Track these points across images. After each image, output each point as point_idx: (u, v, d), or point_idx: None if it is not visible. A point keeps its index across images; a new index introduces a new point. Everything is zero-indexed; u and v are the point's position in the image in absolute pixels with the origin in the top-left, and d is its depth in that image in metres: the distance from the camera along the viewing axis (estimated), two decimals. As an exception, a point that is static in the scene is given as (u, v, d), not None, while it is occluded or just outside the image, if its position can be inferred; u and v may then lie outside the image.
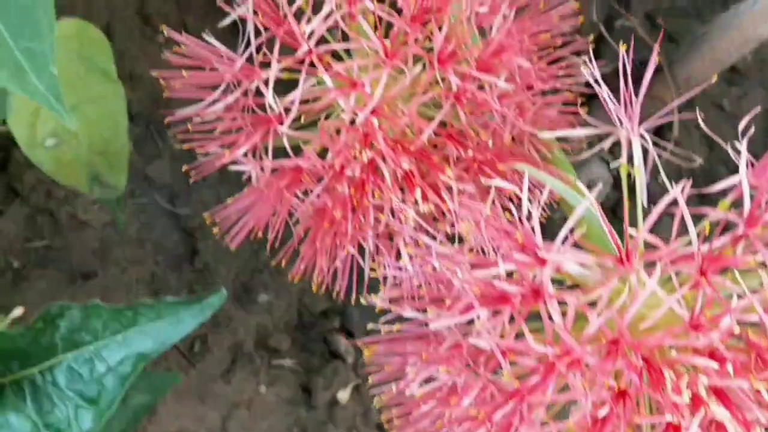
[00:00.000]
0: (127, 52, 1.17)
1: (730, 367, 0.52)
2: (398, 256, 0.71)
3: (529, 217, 0.58)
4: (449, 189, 0.68)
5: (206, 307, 0.67)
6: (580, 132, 0.66)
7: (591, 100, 0.74)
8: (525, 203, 0.59)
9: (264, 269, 1.14)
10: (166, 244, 1.15)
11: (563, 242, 0.56)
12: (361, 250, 0.74)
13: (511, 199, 0.67)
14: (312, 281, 0.75)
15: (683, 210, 0.56)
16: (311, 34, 0.67)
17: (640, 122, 0.64)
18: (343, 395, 1.10)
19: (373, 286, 0.74)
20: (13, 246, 1.12)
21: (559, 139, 0.76)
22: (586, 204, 0.57)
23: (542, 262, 0.56)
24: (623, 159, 0.65)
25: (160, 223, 1.15)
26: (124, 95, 0.85)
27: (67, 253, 1.13)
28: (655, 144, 0.66)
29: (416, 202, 0.67)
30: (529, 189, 0.61)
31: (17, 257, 1.12)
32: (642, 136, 0.64)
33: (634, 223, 0.59)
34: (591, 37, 0.78)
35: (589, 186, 0.61)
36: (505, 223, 0.59)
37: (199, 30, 1.16)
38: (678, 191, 0.56)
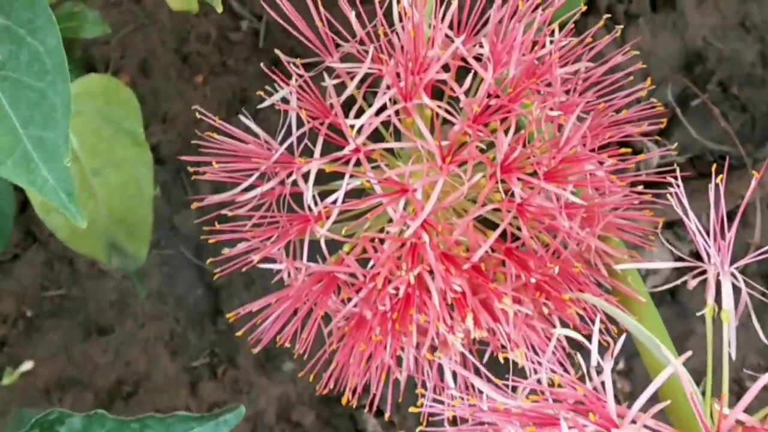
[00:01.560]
0: (163, 91, 1.11)
1: None
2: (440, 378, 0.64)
3: (600, 371, 0.50)
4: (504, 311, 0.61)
5: (221, 425, 0.59)
6: (662, 265, 0.58)
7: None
8: (595, 352, 0.52)
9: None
10: (188, 300, 1.08)
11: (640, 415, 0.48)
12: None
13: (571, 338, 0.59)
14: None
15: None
16: (360, 129, 0.59)
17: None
18: (369, 481, 1.03)
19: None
20: (27, 293, 1.06)
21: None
22: (673, 368, 0.49)
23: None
24: (710, 299, 0.57)
25: (184, 276, 1.08)
26: (151, 162, 0.78)
27: (84, 304, 1.06)
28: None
29: (467, 327, 0.59)
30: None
31: (31, 306, 1.06)
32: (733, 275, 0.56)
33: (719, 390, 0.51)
34: (664, 120, 0.70)
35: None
36: (568, 378, 0.51)
37: (241, 72, 1.09)
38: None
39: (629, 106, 0.66)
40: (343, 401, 0.67)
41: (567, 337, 0.60)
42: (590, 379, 0.51)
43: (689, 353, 0.49)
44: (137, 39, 1.13)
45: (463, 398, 0.54)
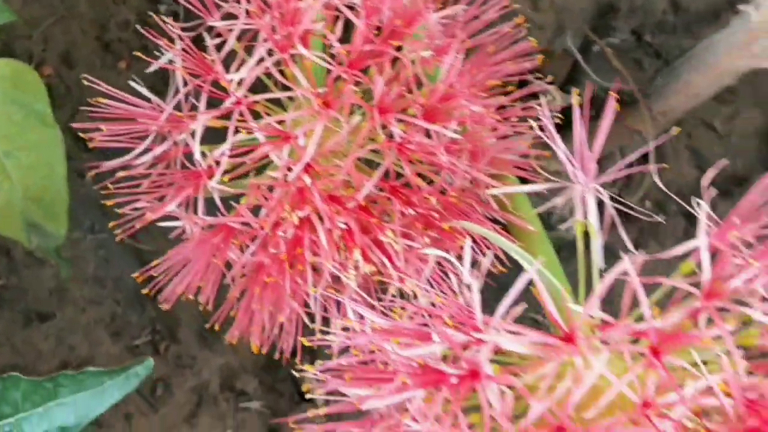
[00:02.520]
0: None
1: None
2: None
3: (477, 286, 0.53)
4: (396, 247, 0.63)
5: (131, 376, 0.62)
6: (532, 188, 0.61)
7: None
8: (466, 272, 0.54)
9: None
10: (126, 281, 1.10)
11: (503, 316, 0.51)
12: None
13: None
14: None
15: (635, 284, 0.51)
16: (240, 82, 0.62)
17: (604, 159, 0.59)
18: (314, 440, 1.05)
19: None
20: (-35, 286, 1.08)
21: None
22: (532, 273, 0.52)
23: (479, 341, 0.51)
24: (578, 216, 0.60)
25: (120, 258, 1.10)
26: (61, 141, 0.80)
27: (23, 293, 1.08)
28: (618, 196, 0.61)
29: (357, 262, 0.62)
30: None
31: (-30, 298, 1.08)
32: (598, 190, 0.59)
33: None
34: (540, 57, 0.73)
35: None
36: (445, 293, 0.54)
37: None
38: (628, 264, 0.50)
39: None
40: (254, 349, 0.70)
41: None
42: (462, 295, 0.54)
43: (542, 259, 0.52)
44: (58, 31, 1.15)
45: (348, 328, 0.56)
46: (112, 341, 1.07)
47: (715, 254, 0.55)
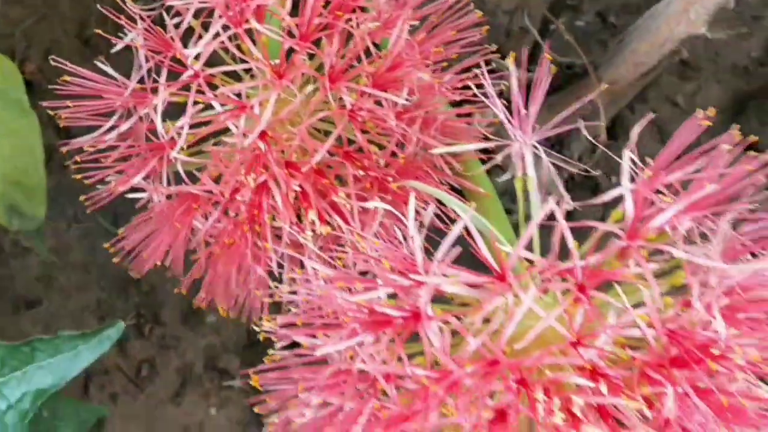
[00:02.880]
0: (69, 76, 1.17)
1: (603, 386, 0.51)
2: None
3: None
4: (351, 209, 0.67)
5: (104, 339, 0.66)
6: (473, 146, 0.65)
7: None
8: (411, 223, 0.58)
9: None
10: (111, 269, 1.14)
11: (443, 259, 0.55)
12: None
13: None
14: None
15: (562, 225, 0.55)
16: (198, 57, 0.66)
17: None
18: (295, 415, 1.09)
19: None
20: (-46, 276, 1.12)
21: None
22: (466, 220, 0.56)
23: (419, 284, 0.55)
24: (518, 172, 0.64)
25: (104, 247, 1.14)
26: (38, 127, 0.84)
27: (11, 282, 1.12)
28: (556, 154, 0.65)
29: (313, 223, 0.65)
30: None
31: (-41, 287, 1.12)
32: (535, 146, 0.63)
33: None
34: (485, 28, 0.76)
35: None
36: (391, 245, 0.58)
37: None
38: (554, 205, 0.54)
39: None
40: (222, 312, 0.73)
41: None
42: (407, 243, 0.58)
43: (474, 205, 0.56)
44: (40, 29, 1.19)
45: (295, 279, 0.60)
46: (98, 325, 1.11)
47: (644, 201, 0.58)
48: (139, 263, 0.73)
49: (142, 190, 0.70)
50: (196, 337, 1.12)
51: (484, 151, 0.72)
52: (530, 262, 0.55)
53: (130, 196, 0.70)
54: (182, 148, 0.67)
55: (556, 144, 1.07)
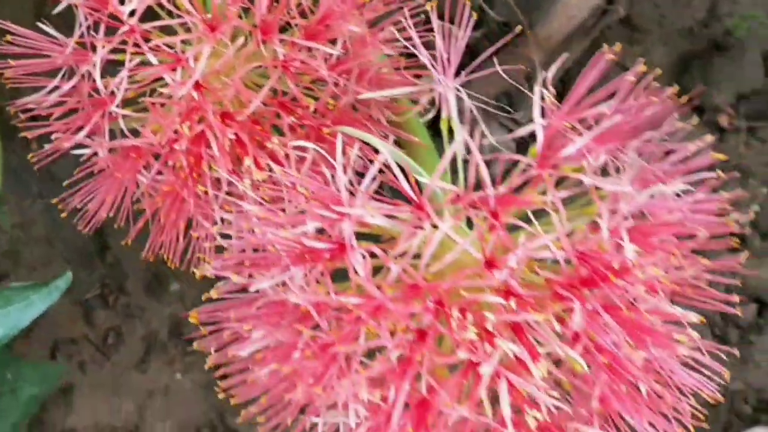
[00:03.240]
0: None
1: (513, 303, 0.54)
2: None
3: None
4: (287, 155, 0.70)
5: (54, 289, 0.69)
6: (401, 91, 0.68)
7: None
8: (338, 162, 0.61)
9: (175, 259, 1.16)
10: (76, 242, 1.16)
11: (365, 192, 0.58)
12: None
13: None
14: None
15: (477, 156, 0.58)
16: (134, 13, 0.68)
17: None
18: (258, 377, 1.12)
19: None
20: None
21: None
22: (385, 153, 0.59)
23: (343, 216, 0.58)
24: (444, 113, 0.67)
25: (69, 222, 1.17)
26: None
27: (-23, 257, 1.14)
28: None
29: (249, 169, 0.68)
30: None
31: (-74, 264, 1.14)
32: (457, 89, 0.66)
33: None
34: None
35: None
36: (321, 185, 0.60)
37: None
38: (467, 137, 0.57)
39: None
40: (170, 265, 0.76)
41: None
42: (334, 181, 0.61)
43: (393, 138, 0.58)
44: (1, 12, 1.21)
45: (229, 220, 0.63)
46: (64, 296, 1.14)
47: (556, 134, 0.61)
48: (88, 218, 0.75)
49: (87, 147, 0.73)
50: (161, 305, 1.15)
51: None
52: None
53: (76, 152, 0.72)
54: (123, 104, 0.70)
55: (507, 104, 1.10)
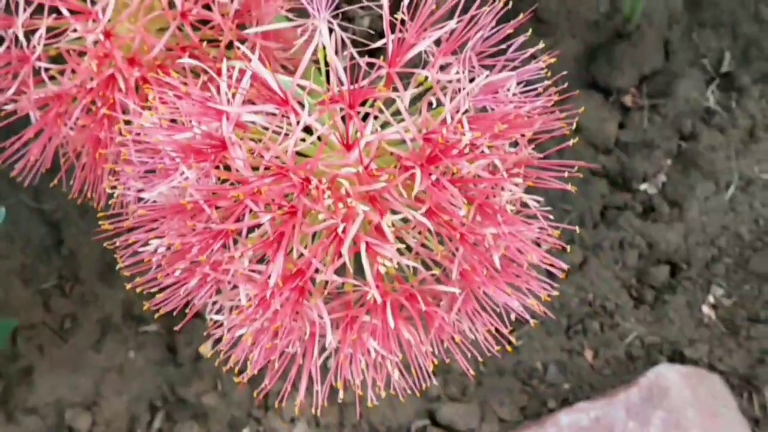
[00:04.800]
0: None
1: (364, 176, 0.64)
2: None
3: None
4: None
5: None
6: (282, 25, 0.78)
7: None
8: (223, 86, 0.71)
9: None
10: (34, 238, 1.26)
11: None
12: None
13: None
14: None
15: (335, 60, 0.68)
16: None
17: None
18: (205, 349, 1.21)
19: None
20: None
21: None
22: (254, 61, 0.69)
23: (221, 113, 0.68)
24: (319, 46, 0.77)
25: (26, 219, 1.27)
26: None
27: (-59, 253, 1.24)
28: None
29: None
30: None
31: None
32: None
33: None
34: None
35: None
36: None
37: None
38: (326, 42, 0.68)
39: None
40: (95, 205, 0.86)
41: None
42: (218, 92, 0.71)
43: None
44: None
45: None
46: (23, 286, 1.23)
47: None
48: (25, 165, 0.85)
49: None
50: (114, 291, 1.24)
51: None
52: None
53: (8, 108, 0.82)
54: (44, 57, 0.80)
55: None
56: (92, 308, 1.24)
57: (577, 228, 0.87)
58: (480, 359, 0.78)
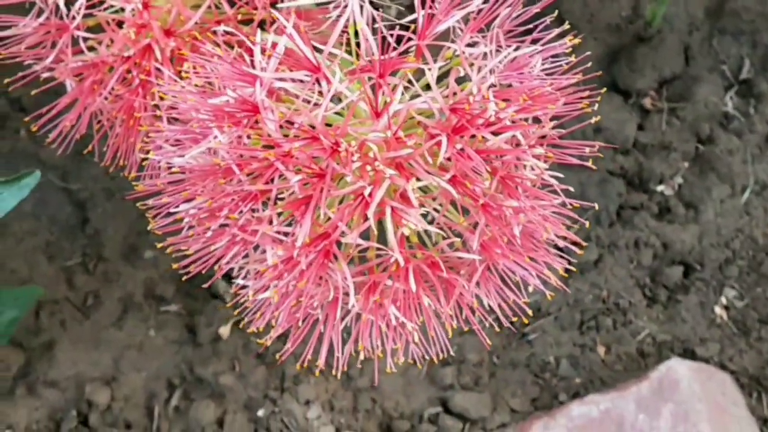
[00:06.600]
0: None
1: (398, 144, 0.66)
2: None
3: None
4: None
5: (23, 186, 0.80)
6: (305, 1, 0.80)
7: None
8: (257, 53, 0.73)
9: (149, 231, 1.28)
10: (60, 216, 1.29)
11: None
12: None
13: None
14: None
15: (366, 30, 0.70)
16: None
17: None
18: (224, 331, 1.23)
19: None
20: None
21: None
22: (289, 28, 0.71)
23: (254, 78, 0.71)
24: (350, 21, 0.79)
25: (54, 198, 1.29)
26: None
27: (-32, 229, 1.27)
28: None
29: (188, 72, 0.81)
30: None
31: None
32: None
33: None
34: None
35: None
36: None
37: None
38: (356, 13, 0.70)
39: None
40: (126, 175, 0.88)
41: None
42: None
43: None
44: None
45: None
46: (48, 263, 1.26)
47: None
48: (59, 134, 0.88)
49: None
50: (136, 270, 1.27)
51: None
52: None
53: (44, 75, 0.85)
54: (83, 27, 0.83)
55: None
56: (115, 286, 1.26)
57: (587, 223, 0.88)
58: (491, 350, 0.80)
